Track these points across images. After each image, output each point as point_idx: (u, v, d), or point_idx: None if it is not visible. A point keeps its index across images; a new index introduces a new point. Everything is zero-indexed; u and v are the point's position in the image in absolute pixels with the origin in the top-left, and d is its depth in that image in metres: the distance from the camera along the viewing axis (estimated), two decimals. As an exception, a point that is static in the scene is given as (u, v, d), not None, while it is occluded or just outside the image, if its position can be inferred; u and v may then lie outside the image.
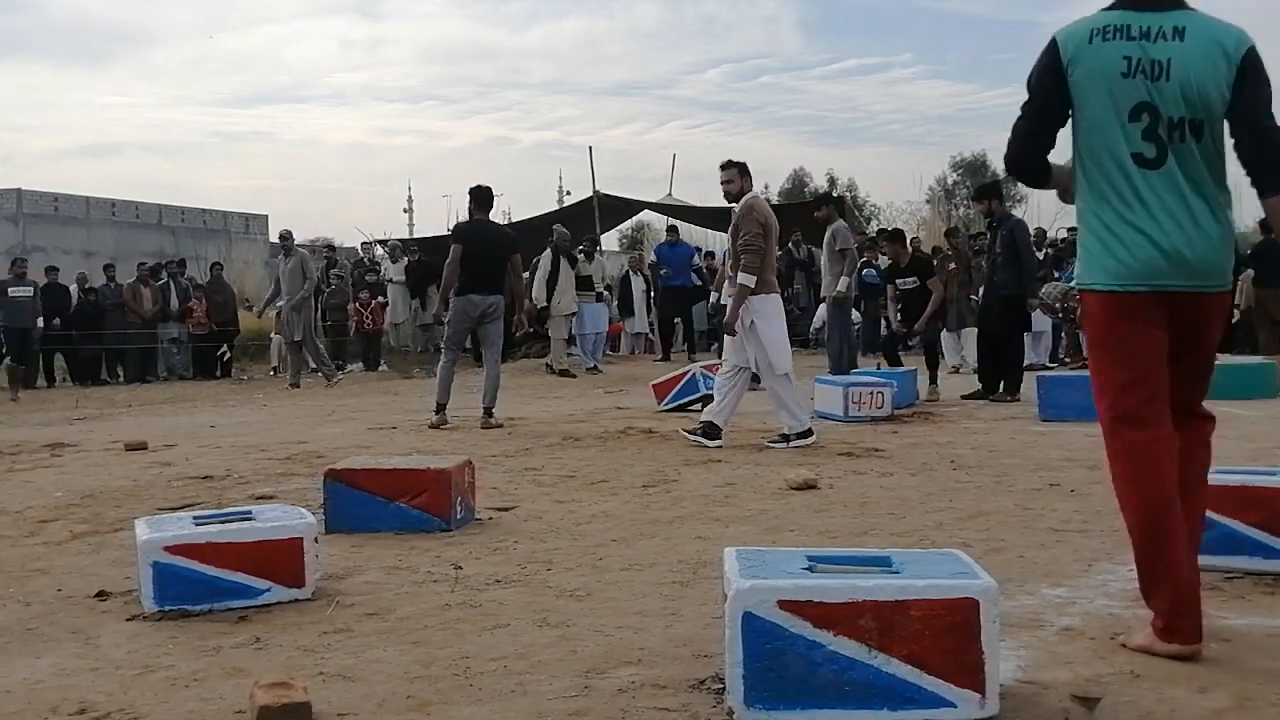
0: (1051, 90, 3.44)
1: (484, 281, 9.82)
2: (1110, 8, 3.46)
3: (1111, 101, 3.34)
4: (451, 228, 10.15)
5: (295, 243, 17.08)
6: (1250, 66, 3.33)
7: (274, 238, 46.68)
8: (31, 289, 18.43)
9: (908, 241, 13.52)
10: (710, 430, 8.14)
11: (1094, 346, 3.55)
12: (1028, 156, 3.56)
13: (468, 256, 9.80)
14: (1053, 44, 3.45)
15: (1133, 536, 3.35)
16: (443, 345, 10.30)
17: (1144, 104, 3.32)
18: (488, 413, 9.83)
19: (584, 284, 17.72)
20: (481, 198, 10.14)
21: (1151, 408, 3.39)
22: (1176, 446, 3.42)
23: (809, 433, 8.09)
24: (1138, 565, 3.36)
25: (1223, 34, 3.35)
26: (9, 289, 18.17)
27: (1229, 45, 3.33)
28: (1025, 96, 3.51)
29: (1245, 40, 3.35)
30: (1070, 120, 3.45)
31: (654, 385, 11.27)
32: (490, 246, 9.92)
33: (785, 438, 8.06)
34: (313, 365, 16.21)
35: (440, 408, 9.88)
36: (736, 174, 8.37)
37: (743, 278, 7.99)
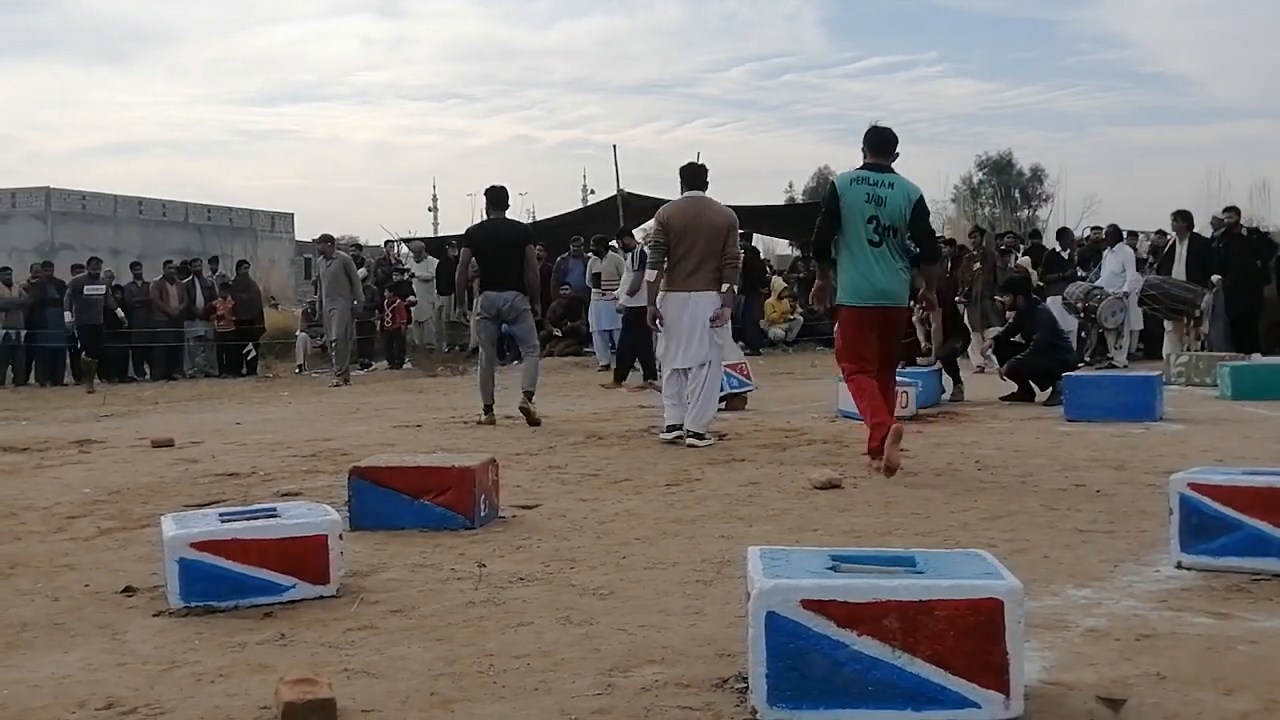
0: (834, 208, 6.75)
1: (498, 278, 9.83)
2: (860, 169, 6.83)
3: (861, 215, 6.67)
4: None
5: (336, 244, 17.29)
6: (918, 206, 6.80)
7: (300, 236, 47.10)
8: (104, 287, 19.12)
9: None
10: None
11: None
12: (826, 242, 6.83)
13: (479, 256, 9.90)
14: (833, 185, 6.90)
15: (863, 413, 6.78)
16: (480, 358, 10.36)
17: (874, 217, 6.66)
18: (528, 395, 9.77)
19: (599, 281, 17.71)
20: (494, 196, 10.22)
21: (867, 362, 6.83)
22: (875, 376, 6.83)
23: (670, 429, 8.33)
24: (868, 423, 6.72)
25: (909, 189, 6.80)
26: (84, 287, 18.75)
27: (912, 196, 6.77)
28: (823, 210, 6.88)
29: (917, 192, 6.84)
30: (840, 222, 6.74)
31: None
32: (499, 244, 9.87)
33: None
34: (334, 362, 16.30)
35: (487, 409, 9.93)
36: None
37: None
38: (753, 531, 5.13)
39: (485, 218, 10.36)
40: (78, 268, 20.89)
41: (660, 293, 8.35)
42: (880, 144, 6.87)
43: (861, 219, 6.61)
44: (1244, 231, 16.49)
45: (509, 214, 10.43)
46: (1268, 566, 4.08)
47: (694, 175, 8.58)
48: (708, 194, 8.57)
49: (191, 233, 41.70)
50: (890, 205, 6.63)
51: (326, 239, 16.99)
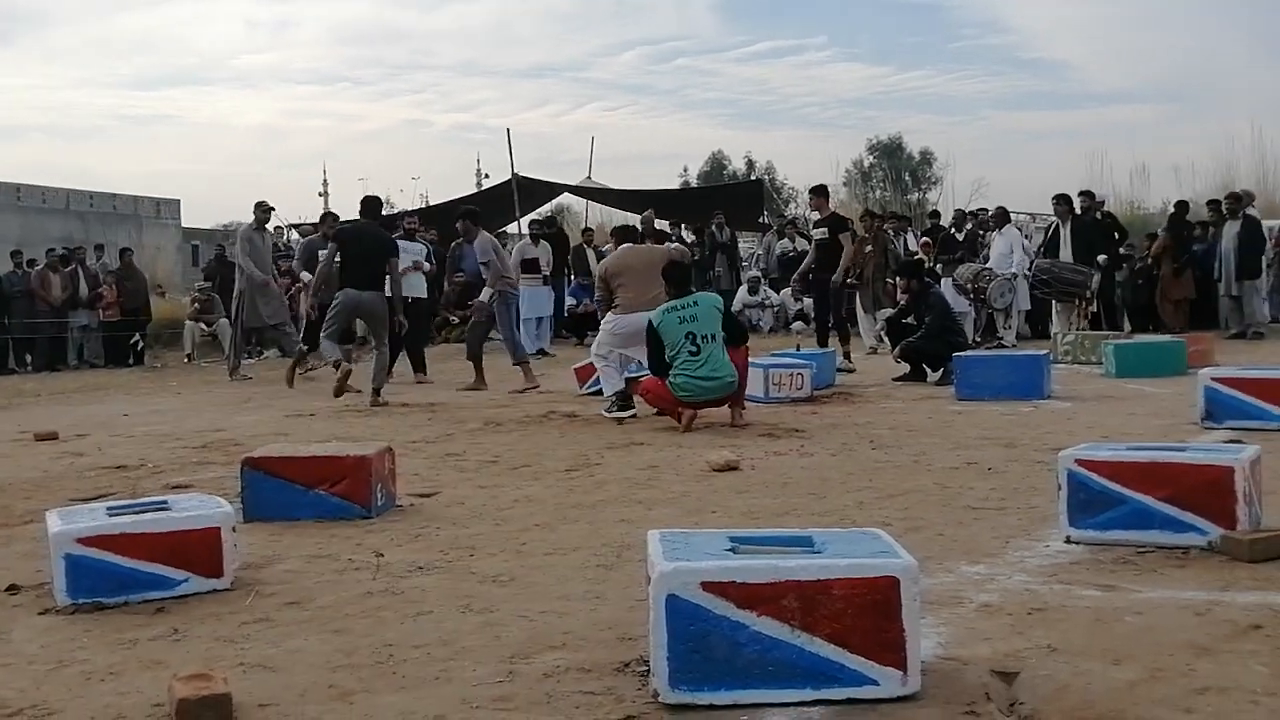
0: (658, 342, 8.05)
1: (362, 279, 10.47)
2: (670, 301, 8.22)
3: (680, 331, 7.98)
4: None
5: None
6: (725, 309, 8.37)
7: (186, 223, 45.95)
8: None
9: (828, 198, 13.79)
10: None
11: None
12: (661, 368, 8.08)
13: (346, 256, 10.60)
14: (651, 325, 8.14)
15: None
16: (323, 336, 10.70)
17: (690, 332, 7.96)
18: (376, 393, 10.46)
19: (530, 267, 17.54)
20: (367, 206, 11.23)
21: None
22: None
23: (615, 405, 8.92)
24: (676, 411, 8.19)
25: (711, 298, 8.40)
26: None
27: (716, 303, 8.28)
28: (653, 344, 8.17)
29: (719, 299, 8.49)
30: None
31: (576, 369, 11.26)
32: (368, 247, 10.61)
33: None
34: (231, 351, 15.64)
35: (338, 364, 10.33)
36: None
37: None
38: (652, 515, 5.15)
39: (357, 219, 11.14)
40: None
41: (615, 315, 9.13)
42: (681, 279, 8.45)
43: (680, 335, 7.97)
44: (1098, 216, 16.98)
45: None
46: (1152, 539, 4.20)
47: (626, 233, 10.58)
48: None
49: (73, 220, 40.50)
50: (700, 319, 8.04)
51: (269, 207, 15.23)
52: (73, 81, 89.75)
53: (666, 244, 10.88)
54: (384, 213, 15.44)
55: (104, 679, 3.18)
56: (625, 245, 10.18)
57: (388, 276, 10.76)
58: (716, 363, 7.98)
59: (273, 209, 15.49)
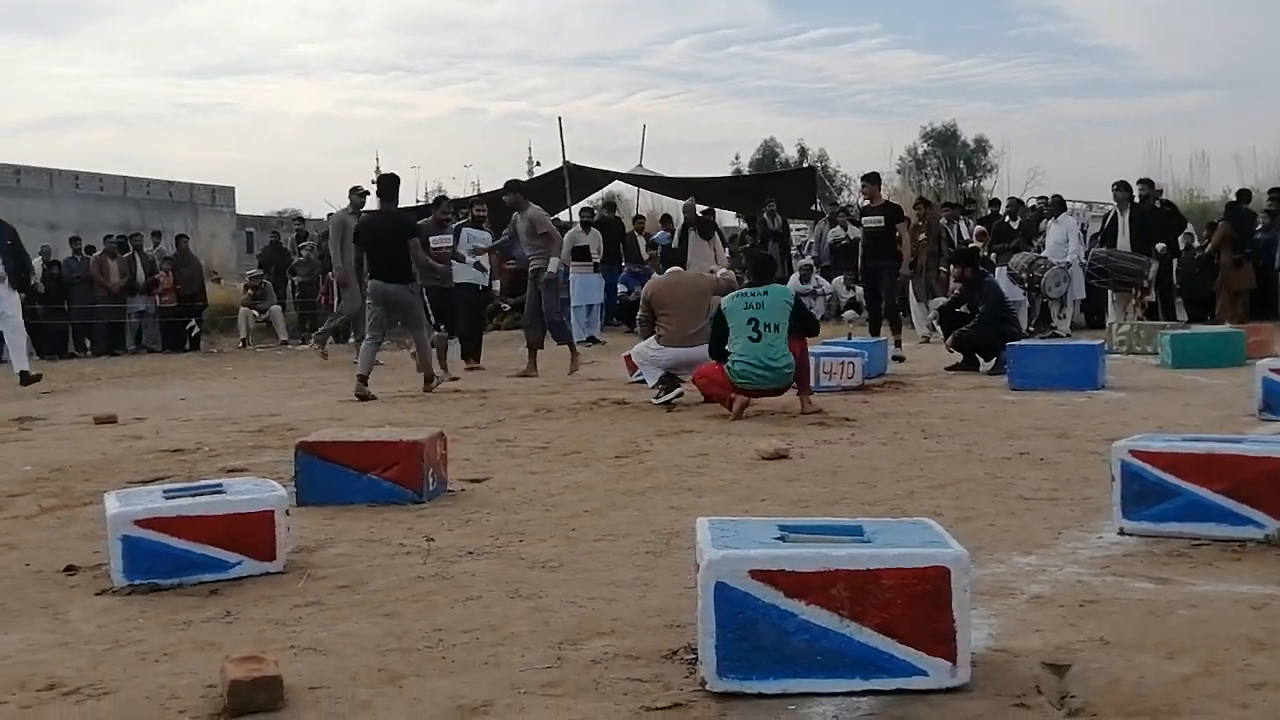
0: (723, 327, 8.14)
1: (386, 270, 10.36)
2: (744, 288, 8.53)
3: (744, 316, 8.06)
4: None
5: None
6: (797, 303, 8.30)
7: (241, 210, 46.41)
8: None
9: (880, 186, 13.75)
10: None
11: None
12: (720, 355, 8.15)
13: (367, 250, 10.70)
14: (720, 309, 8.30)
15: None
16: (366, 338, 10.49)
17: (753, 319, 8.02)
18: (428, 381, 10.44)
19: (580, 254, 17.55)
20: (381, 187, 10.93)
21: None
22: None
23: (661, 390, 8.98)
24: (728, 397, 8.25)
25: (783, 291, 8.45)
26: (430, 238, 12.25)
27: (787, 297, 8.30)
28: (717, 329, 8.26)
29: (791, 293, 8.48)
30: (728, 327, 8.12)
31: (626, 356, 11.26)
32: (384, 235, 10.42)
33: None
34: (328, 326, 15.47)
35: (363, 380, 10.07)
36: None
37: None
38: (701, 502, 5.15)
39: (379, 205, 10.98)
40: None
41: (658, 343, 9.30)
42: (763, 270, 8.66)
43: (744, 321, 8.09)
44: (1157, 204, 16.74)
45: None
46: (1207, 531, 4.15)
47: (672, 257, 11.64)
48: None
49: (130, 207, 41.06)
50: (768, 309, 8.11)
51: (366, 191, 14.35)
52: (132, 71, 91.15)
53: (720, 272, 11.01)
54: (442, 201, 15.26)
55: (158, 659, 3.22)
56: (673, 269, 10.61)
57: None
58: (775, 352, 8.01)
59: (367, 193, 14.36)
